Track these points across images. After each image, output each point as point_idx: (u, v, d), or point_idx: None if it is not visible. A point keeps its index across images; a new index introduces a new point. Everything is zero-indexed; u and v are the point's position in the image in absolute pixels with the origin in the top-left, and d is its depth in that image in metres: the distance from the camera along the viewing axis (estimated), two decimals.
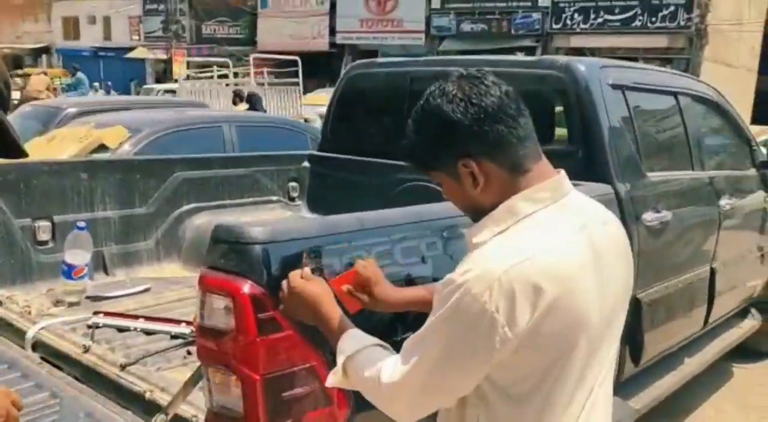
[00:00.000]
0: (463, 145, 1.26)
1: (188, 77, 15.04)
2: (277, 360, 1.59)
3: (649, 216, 2.96)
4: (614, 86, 3.04)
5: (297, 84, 15.19)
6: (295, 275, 1.50)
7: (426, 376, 1.25)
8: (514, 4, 23.08)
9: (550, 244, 1.21)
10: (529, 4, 22.84)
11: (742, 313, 4.35)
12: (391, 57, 8.80)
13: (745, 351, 4.46)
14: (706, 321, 3.71)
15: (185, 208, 3.43)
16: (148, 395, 1.98)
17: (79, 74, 16.00)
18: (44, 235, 2.97)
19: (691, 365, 3.64)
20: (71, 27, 37.17)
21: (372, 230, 1.85)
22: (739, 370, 4.53)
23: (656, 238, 3.03)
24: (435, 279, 1.90)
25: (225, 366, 1.60)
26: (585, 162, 2.92)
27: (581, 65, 2.99)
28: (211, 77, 15.92)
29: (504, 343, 1.17)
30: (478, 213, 1.31)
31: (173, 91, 14.35)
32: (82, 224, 2.81)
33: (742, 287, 4.11)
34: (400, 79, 3.65)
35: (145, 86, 16.90)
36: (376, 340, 1.40)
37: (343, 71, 3.96)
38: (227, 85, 14.41)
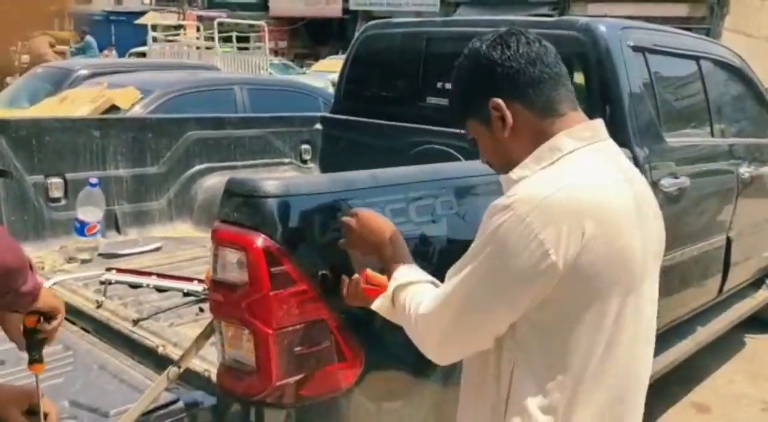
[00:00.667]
0: (493, 85, 1.27)
1: (155, 40, 15.26)
2: (289, 315, 1.58)
3: (666, 182, 2.91)
4: (635, 48, 2.97)
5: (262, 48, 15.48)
6: (360, 208, 1.53)
7: (462, 306, 1.22)
8: None
9: (596, 180, 1.21)
10: None
11: (756, 284, 4.32)
12: None
13: (757, 322, 4.43)
14: (720, 291, 3.68)
15: (197, 168, 3.41)
16: (160, 350, 1.98)
17: (88, 38, 16.00)
18: (57, 192, 2.95)
19: (704, 333, 3.62)
20: None
21: (386, 187, 1.82)
22: (751, 341, 4.51)
23: (673, 205, 2.99)
24: (449, 240, 1.89)
25: (238, 319, 1.59)
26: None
27: (602, 26, 2.91)
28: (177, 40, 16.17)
29: (547, 269, 1.14)
30: (513, 167, 1.28)
31: (144, 54, 14.61)
32: (94, 181, 2.79)
33: (757, 257, 4.07)
34: (415, 39, 3.58)
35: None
36: (432, 278, 1.40)
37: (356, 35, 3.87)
38: (197, 47, 14.56)
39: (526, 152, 1.27)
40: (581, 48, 2.93)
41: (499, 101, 1.26)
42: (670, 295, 3.12)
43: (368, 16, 25.17)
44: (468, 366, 1.39)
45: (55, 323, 1.44)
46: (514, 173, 1.26)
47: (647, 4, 20.51)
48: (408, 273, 1.39)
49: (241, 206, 1.59)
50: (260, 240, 1.55)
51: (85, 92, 5.20)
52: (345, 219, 1.53)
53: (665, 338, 3.30)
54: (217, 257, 1.61)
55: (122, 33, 32.32)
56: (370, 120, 3.67)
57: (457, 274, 1.25)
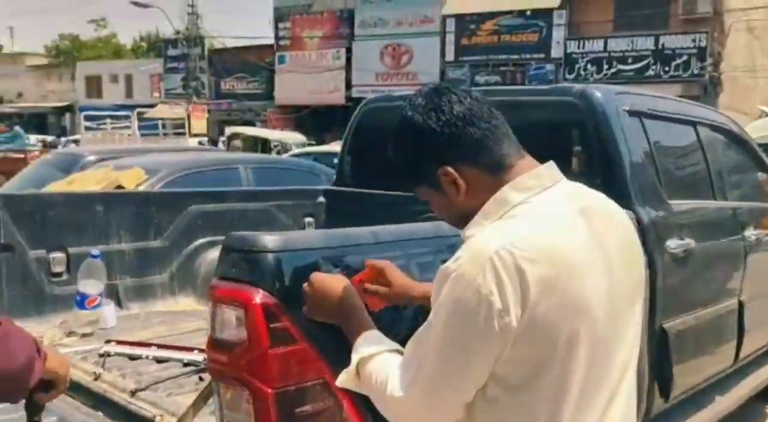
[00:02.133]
0: (438, 154, 1.26)
1: (86, 129, 16.81)
2: (289, 374, 1.53)
3: (673, 244, 2.88)
4: (631, 113, 3.01)
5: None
6: (317, 273, 1.47)
7: (430, 383, 1.19)
8: (528, 55, 23.44)
9: (542, 226, 1.18)
10: (543, 55, 23.18)
11: None
12: None
13: None
14: (736, 357, 3.58)
15: (200, 241, 3.41)
16: (158, 419, 1.92)
17: (16, 128, 17.62)
18: (59, 267, 2.95)
19: (723, 403, 3.49)
20: (94, 85, 38.22)
21: (386, 243, 1.80)
22: None
23: (681, 267, 2.95)
24: None
25: (236, 379, 1.54)
26: (605, 189, 2.86)
27: (597, 91, 2.97)
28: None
29: (503, 329, 1.11)
30: (468, 220, 1.28)
31: (77, 141, 15.90)
32: (96, 252, 2.79)
33: None
34: None
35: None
36: (395, 345, 1.34)
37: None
38: (129, 135, 15.75)
39: (469, 213, 1.27)
40: (578, 114, 2.97)
41: (449, 169, 1.25)
42: (685, 362, 3.03)
43: None
44: None
45: (54, 393, 1.40)
46: (467, 231, 1.27)
47: (642, 86, 21.08)
48: (368, 344, 1.33)
49: (239, 261, 1.57)
50: (259, 296, 1.53)
51: (91, 174, 5.28)
52: (304, 286, 1.48)
53: (683, 408, 3.19)
54: (215, 315, 1.58)
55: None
56: (371, 191, 3.69)
57: (418, 346, 1.22)
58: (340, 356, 1.59)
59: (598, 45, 22.26)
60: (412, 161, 1.30)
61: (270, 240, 1.57)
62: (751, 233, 3.57)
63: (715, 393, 3.53)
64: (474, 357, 1.16)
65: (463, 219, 1.29)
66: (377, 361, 1.29)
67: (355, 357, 1.32)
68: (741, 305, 3.51)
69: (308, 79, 28.18)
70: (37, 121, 36.77)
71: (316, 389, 1.57)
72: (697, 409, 3.32)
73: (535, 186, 1.24)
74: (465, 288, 1.13)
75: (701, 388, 3.37)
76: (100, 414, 2.05)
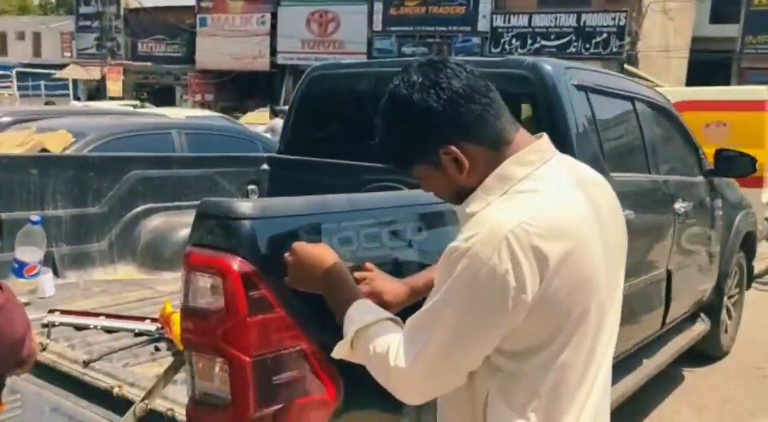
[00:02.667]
0: (441, 133, 1.22)
1: None
2: (267, 342, 1.51)
3: None
4: (578, 87, 3.09)
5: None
6: (299, 242, 1.44)
7: (439, 357, 1.19)
8: (454, 28, 23.57)
9: (552, 201, 1.19)
10: (469, 28, 23.36)
11: (691, 317, 4.46)
12: None
13: (692, 355, 4.56)
14: (663, 323, 3.78)
15: (141, 208, 3.29)
16: (116, 390, 1.85)
17: None
18: None
19: (649, 366, 3.69)
20: None
21: (361, 211, 1.79)
22: (689, 374, 4.63)
23: None
24: (421, 264, 1.87)
25: (212, 348, 1.51)
26: None
27: (547, 65, 3.02)
28: None
29: (517, 306, 1.13)
30: (465, 196, 1.27)
31: None
32: (36, 218, 2.64)
33: (695, 291, 4.22)
34: (363, 79, 3.61)
35: None
36: (389, 314, 1.33)
37: (305, 73, 3.88)
38: (9, 95, 15.27)
39: (467, 189, 1.26)
40: (528, 86, 3.02)
41: (452, 147, 1.22)
42: (620, 327, 3.17)
43: (295, 70, 25.48)
44: (442, 397, 1.35)
45: (24, 368, 1.37)
46: (468, 207, 1.25)
47: (564, 61, 21.57)
48: (363, 314, 1.32)
49: (216, 228, 1.52)
50: (236, 264, 1.49)
51: (11, 136, 4.97)
52: (285, 255, 1.44)
53: (614, 371, 3.34)
54: (189, 283, 1.53)
55: (40, 86, 31.50)
56: (318, 159, 3.64)
57: (426, 321, 1.21)
58: (317, 323, 1.59)
59: (523, 20, 22.59)
60: (411, 142, 1.25)
61: (247, 206, 1.53)
62: (680, 205, 3.75)
63: (643, 356, 3.72)
64: (487, 333, 1.17)
65: (461, 195, 1.28)
66: (375, 330, 1.27)
67: (351, 327, 1.29)
68: (669, 274, 3.70)
69: (231, 43, 27.36)
70: None
71: (292, 357, 1.56)
72: (627, 372, 3.49)
73: (537, 160, 1.24)
74: (480, 267, 1.12)
75: (631, 353, 3.55)
76: (53, 386, 1.96)
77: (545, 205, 1.17)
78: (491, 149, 1.24)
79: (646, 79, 14.11)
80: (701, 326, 4.48)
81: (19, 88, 25.46)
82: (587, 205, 1.23)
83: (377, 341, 1.25)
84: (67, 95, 25.54)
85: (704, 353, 4.74)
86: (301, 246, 1.43)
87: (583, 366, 1.23)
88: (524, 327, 1.16)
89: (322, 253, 1.42)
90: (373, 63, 4.02)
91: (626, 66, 19.13)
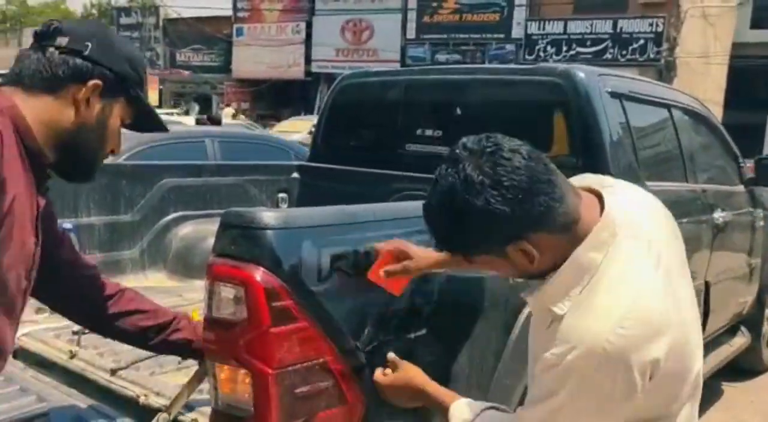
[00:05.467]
0: (508, 232, 1.18)
1: None
2: (290, 353, 1.49)
3: None
4: (612, 94, 3.03)
5: None
6: (378, 374, 1.59)
7: None
8: (488, 35, 23.46)
9: (637, 292, 1.18)
10: (503, 36, 23.23)
11: (731, 330, 4.33)
12: None
13: (733, 370, 4.43)
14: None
15: (172, 216, 3.31)
16: (142, 399, 1.85)
17: None
18: None
19: None
20: None
21: (386, 221, 1.77)
22: (728, 388, 4.49)
23: None
24: (447, 275, 1.83)
25: (234, 359, 1.49)
26: (585, 170, 2.88)
27: (581, 72, 2.97)
28: None
29: (629, 400, 1.18)
30: (537, 277, 1.27)
31: None
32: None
33: (734, 303, 4.10)
34: (394, 88, 3.60)
35: None
36: (489, 404, 1.42)
37: (335, 82, 3.88)
38: None
39: (552, 266, 1.24)
40: (561, 93, 2.97)
41: (523, 242, 1.18)
42: None
43: (330, 78, 25.63)
44: None
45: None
46: (555, 306, 1.23)
47: (600, 69, 21.30)
48: (466, 409, 1.40)
49: (239, 238, 1.51)
50: (260, 274, 1.47)
51: None
52: (376, 377, 1.58)
53: None
54: (212, 293, 1.52)
55: None
56: (348, 168, 3.64)
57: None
58: (340, 335, 1.57)
59: (558, 27, 22.40)
60: (474, 239, 1.21)
61: (271, 216, 1.52)
62: (719, 215, 3.65)
63: None
64: None
65: (527, 277, 1.30)
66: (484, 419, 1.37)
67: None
68: (707, 285, 3.60)
69: (267, 52, 27.68)
70: None
71: (316, 369, 1.54)
72: None
73: (608, 237, 1.21)
74: (587, 379, 1.16)
75: None
76: (80, 393, 1.97)
77: (630, 301, 1.17)
78: (562, 234, 1.21)
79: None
80: (741, 339, 4.35)
81: None
82: (663, 274, 1.24)
83: None
84: None
85: (744, 367, 4.60)
86: (379, 377, 1.59)
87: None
88: (645, 403, 1.22)
89: (403, 374, 1.56)
90: (404, 71, 4.02)
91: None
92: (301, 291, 1.50)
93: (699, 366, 1.31)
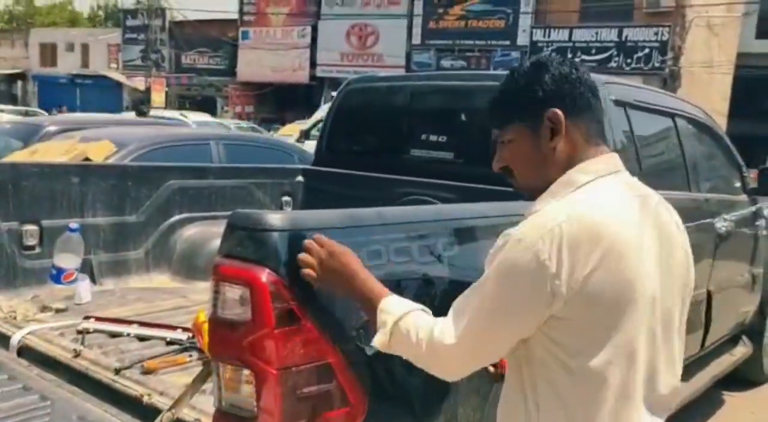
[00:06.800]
0: (558, 98, 1.32)
1: None
2: (294, 354, 1.50)
3: None
4: (617, 102, 3.04)
5: None
6: (321, 237, 1.48)
7: (482, 330, 1.27)
8: (494, 42, 23.51)
9: (603, 210, 1.26)
10: (508, 42, 23.28)
11: (733, 340, 4.33)
12: None
13: (734, 380, 4.43)
14: (702, 344, 3.68)
15: (177, 217, 3.33)
16: (145, 399, 1.87)
17: None
18: (31, 240, 2.84)
19: (688, 389, 3.58)
20: (48, 53, 36.94)
21: (391, 225, 1.78)
22: (729, 398, 4.49)
23: None
24: (451, 281, 1.85)
25: (239, 360, 1.51)
26: None
27: None
28: None
29: (553, 291, 1.20)
30: (541, 179, 1.34)
31: None
32: (74, 226, 2.69)
33: (736, 312, 4.10)
34: (400, 93, 3.62)
35: None
36: (419, 305, 1.41)
37: (341, 87, 3.90)
38: None
39: (551, 175, 1.33)
40: None
41: (560, 113, 1.31)
42: None
43: (334, 83, 25.68)
44: (504, 390, 1.41)
45: None
46: (535, 206, 1.32)
47: (603, 76, 21.29)
48: (398, 306, 1.39)
49: (245, 240, 1.53)
50: (265, 275, 1.49)
51: (56, 145, 5.09)
52: (308, 244, 1.47)
53: None
54: (218, 294, 1.53)
55: (87, 96, 32.36)
56: (353, 172, 3.65)
57: (470, 301, 1.30)
58: (344, 336, 1.58)
59: (563, 34, 22.44)
60: (529, 95, 1.33)
61: (277, 218, 1.54)
62: (721, 224, 3.66)
63: (682, 379, 3.62)
64: (526, 310, 1.24)
65: (531, 172, 1.36)
66: (412, 318, 1.34)
67: (389, 319, 1.36)
68: (709, 294, 3.60)
69: (272, 56, 27.76)
70: None
71: (319, 370, 1.55)
72: None
73: (600, 170, 1.32)
74: (524, 251, 1.22)
75: None
76: (84, 392, 1.98)
77: (594, 207, 1.25)
78: (583, 141, 1.33)
79: None
80: (743, 349, 4.34)
81: None
82: (641, 217, 1.29)
83: (419, 326, 1.33)
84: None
85: (745, 377, 4.59)
86: (331, 242, 1.46)
87: (630, 381, 1.26)
88: (566, 316, 1.22)
89: (344, 251, 1.46)
90: (410, 76, 4.04)
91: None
92: (306, 292, 1.52)
93: (651, 335, 1.28)
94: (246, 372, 1.51)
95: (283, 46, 27.72)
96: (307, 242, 1.48)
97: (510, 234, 1.26)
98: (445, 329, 1.30)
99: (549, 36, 22.69)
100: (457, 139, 3.42)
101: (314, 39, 27.09)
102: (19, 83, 36.59)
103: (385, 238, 1.73)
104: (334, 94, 4.09)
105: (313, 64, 27.10)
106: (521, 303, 1.24)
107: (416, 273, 1.77)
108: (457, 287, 1.84)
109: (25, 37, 38.04)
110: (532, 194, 1.37)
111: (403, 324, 1.34)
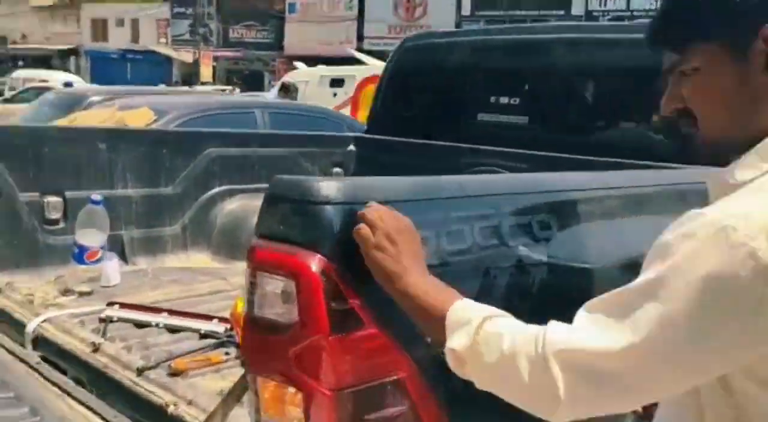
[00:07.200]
0: None
1: None
2: (355, 369, 1.13)
3: None
4: None
5: None
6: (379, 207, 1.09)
7: (659, 364, 0.84)
8: (547, 12, 22.63)
9: None
10: (563, 12, 22.40)
11: None
12: None
13: None
14: None
15: (217, 189, 3.00)
16: (171, 409, 1.53)
17: None
18: (54, 213, 2.54)
19: None
20: (99, 28, 37.34)
21: (475, 198, 1.38)
22: None
23: None
24: (550, 266, 1.45)
25: (281, 374, 1.14)
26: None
27: None
28: None
29: (738, 322, 0.80)
30: (741, 130, 0.91)
31: None
32: (97, 197, 2.38)
33: None
34: (462, 51, 3.20)
35: None
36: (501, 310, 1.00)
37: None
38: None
39: (759, 123, 0.90)
40: None
41: None
42: None
43: (382, 55, 25.17)
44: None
45: None
46: (736, 174, 0.90)
47: None
48: (474, 310, 0.99)
49: (291, 216, 1.15)
50: (317, 264, 1.11)
51: (94, 113, 4.87)
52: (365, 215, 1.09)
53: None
54: (254, 286, 1.17)
55: (138, 71, 32.61)
56: (411, 140, 3.27)
57: (641, 316, 0.84)
58: (419, 345, 1.20)
59: (620, 2, 21.50)
60: (728, 4, 0.91)
61: (333, 187, 1.14)
62: None
63: None
64: (737, 345, 0.83)
65: (721, 122, 0.93)
66: (511, 323, 0.96)
67: (474, 314, 0.97)
68: None
69: (319, 29, 27.41)
70: (41, 64, 36.00)
71: (388, 388, 1.18)
72: None
73: None
74: (736, 250, 0.80)
75: None
76: (96, 397, 1.66)
77: None
78: None
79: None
80: None
81: None
82: None
83: (523, 331, 0.94)
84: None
85: None
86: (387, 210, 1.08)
87: None
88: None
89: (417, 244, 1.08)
90: (475, 31, 3.60)
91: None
92: (372, 287, 1.13)
93: None
94: (291, 390, 1.14)
95: (330, 18, 27.36)
96: (362, 212, 1.09)
97: (707, 220, 0.83)
98: (573, 337, 0.88)
99: (605, 4, 21.78)
100: (532, 101, 2.99)
101: (361, 11, 26.60)
102: (72, 59, 37.11)
103: (467, 215, 1.34)
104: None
105: (360, 37, 26.63)
106: (735, 328, 0.82)
107: (510, 259, 1.38)
108: (557, 274, 1.45)
109: (76, 13, 38.45)
110: (716, 154, 0.95)
111: (492, 327, 0.95)
